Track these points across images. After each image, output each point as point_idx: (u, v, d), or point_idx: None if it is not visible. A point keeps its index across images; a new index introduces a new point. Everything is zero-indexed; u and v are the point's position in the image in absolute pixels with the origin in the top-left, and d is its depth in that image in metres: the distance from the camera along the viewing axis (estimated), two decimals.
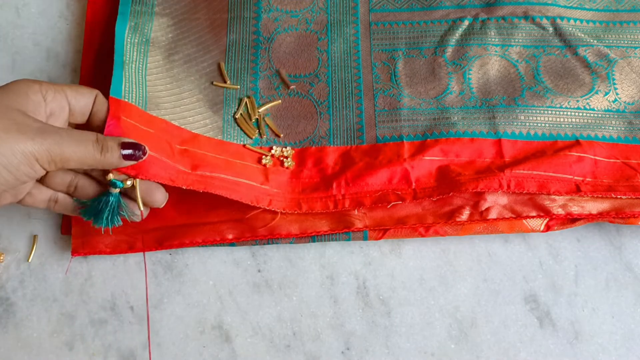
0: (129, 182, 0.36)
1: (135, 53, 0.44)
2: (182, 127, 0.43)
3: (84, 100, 0.37)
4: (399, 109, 0.45)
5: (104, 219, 0.37)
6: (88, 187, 0.38)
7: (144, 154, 0.36)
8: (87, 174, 0.38)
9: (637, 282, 0.43)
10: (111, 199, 0.37)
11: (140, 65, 0.44)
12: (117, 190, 0.37)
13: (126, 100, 0.40)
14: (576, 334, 0.42)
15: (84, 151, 0.34)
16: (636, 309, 0.43)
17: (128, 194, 0.38)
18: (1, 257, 0.43)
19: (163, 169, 0.37)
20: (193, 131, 0.43)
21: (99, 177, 0.38)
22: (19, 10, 0.50)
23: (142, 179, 0.37)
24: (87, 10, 0.48)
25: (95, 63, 0.47)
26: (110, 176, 0.36)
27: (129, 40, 0.44)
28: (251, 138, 0.44)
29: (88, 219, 0.37)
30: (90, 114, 0.37)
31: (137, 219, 0.38)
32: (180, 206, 0.43)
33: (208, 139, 0.43)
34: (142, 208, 0.37)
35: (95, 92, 0.38)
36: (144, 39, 0.46)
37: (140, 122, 0.39)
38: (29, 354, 0.41)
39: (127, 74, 0.42)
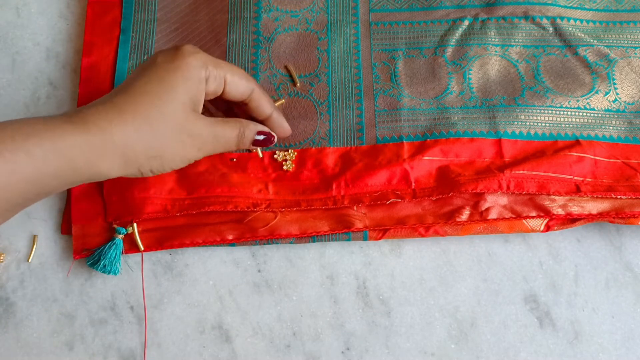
0: (129, 228, 0.42)
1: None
2: None
3: (238, 92, 0.38)
4: (399, 109, 0.45)
5: (110, 262, 0.41)
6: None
7: (271, 141, 0.40)
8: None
9: (637, 282, 0.43)
10: (117, 241, 0.41)
11: None
12: (121, 236, 0.41)
13: None
14: (576, 334, 0.42)
15: (230, 141, 0.38)
16: (636, 309, 0.43)
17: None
18: (1, 257, 0.43)
19: (158, 205, 0.41)
20: None
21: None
22: (19, 10, 0.50)
23: (138, 221, 0.42)
24: (87, 10, 0.48)
25: (95, 63, 0.47)
26: (114, 225, 0.42)
27: (131, 63, 0.47)
28: None
29: (95, 266, 0.41)
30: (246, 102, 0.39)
31: None
32: None
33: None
34: (142, 247, 0.42)
35: (252, 86, 0.38)
36: (145, 57, 0.47)
37: None
38: (29, 354, 0.41)
39: None
